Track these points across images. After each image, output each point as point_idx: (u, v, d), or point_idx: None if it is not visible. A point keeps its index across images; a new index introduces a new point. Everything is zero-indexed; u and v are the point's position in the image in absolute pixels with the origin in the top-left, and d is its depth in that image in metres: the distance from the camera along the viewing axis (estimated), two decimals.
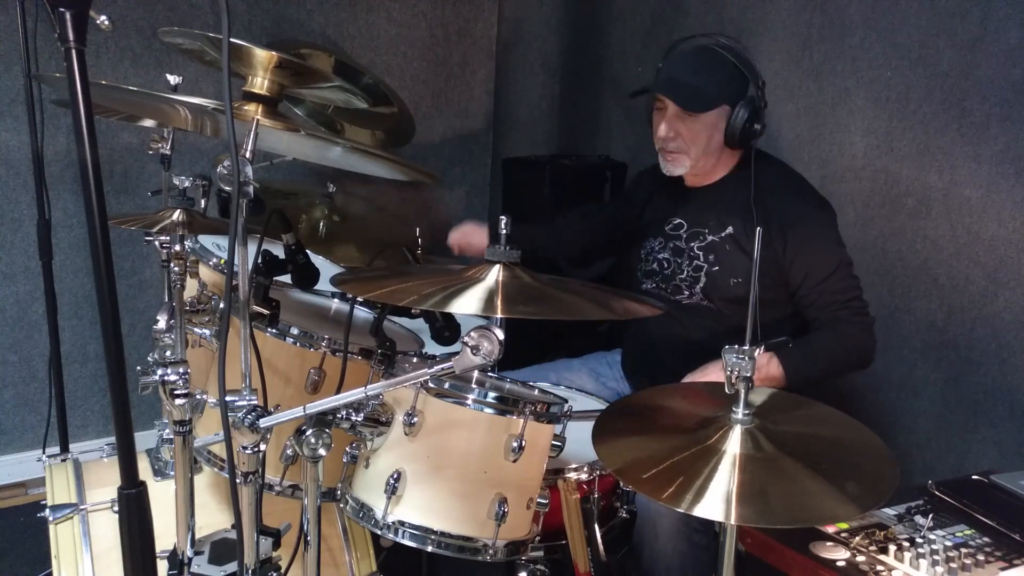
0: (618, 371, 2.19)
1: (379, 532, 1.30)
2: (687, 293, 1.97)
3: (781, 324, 1.91)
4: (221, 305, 1.52)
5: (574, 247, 2.40)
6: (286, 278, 1.49)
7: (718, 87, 1.85)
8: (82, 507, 1.64)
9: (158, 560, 1.07)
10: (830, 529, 1.39)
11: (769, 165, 1.97)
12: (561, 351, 2.48)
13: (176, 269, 1.43)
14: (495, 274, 1.24)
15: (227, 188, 1.05)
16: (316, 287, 1.58)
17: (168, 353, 1.34)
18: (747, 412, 1.14)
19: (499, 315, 1.16)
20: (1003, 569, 1.30)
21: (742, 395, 1.14)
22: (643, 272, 2.08)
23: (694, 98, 1.85)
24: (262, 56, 1.31)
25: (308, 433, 1.18)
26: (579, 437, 1.39)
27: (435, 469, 1.31)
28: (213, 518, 1.64)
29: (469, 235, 2.25)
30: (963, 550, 1.32)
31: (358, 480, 1.37)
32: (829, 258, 1.85)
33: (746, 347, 1.11)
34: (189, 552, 1.40)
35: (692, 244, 1.97)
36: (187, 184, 1.59)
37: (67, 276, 2.66)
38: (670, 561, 1.69)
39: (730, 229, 1.92)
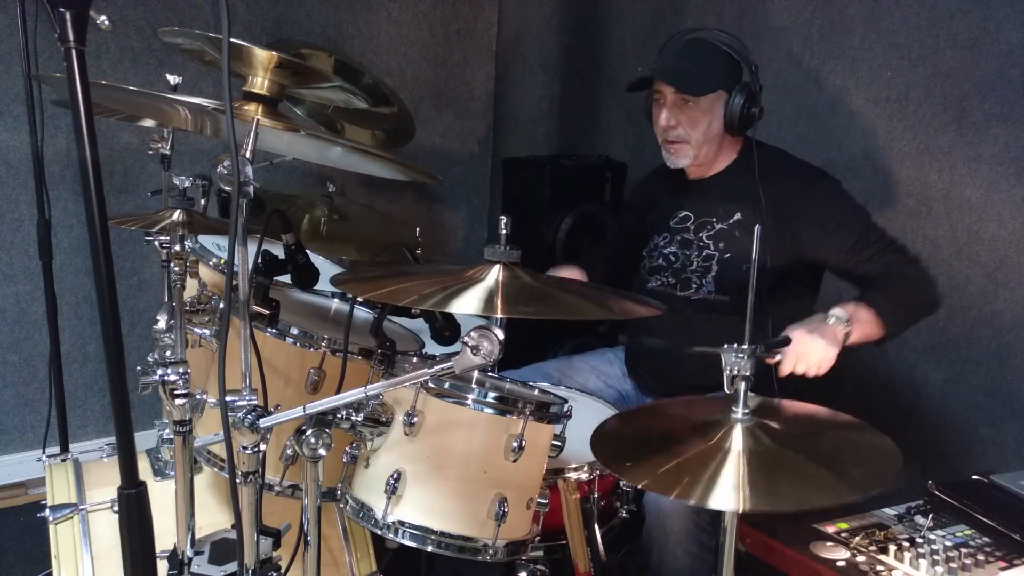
0: (620, 369, 2.19)
1: (379, 532, 1.31)
2: (695, 287, 1.97)
3: (796, 309, 1.93)
4: (221, 305, 1.52)
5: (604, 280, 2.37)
6: (286, 278, 1.49)
7: (713, 72, 1.88)
8: (82, 507, 1.64)
9: (158, 560, 1.07)
10: (830, 529, 1.39)
11: (770, 152, 1.99)
12: (562, 350, 2.48)
13: (176, 269, 1.43)
14: (495, 274, 1.24)
15: (227, 188, 1.05)
16: (316, 287, 1.58)
17: (168, 353, 1.34)
18: (746, 412, 1.14)
19: (499, 315, 1.16)
20: (1003, 569, 1.31)
21: (742, 395, 1.14)
22: (648, 270, 2.08)
23: (690, 82, 1.88)
24: (262, 56, 1.31)
25: (308, 433, 1.18)
26: (579, 437, 1.39)
27: (435, 469, 1.31)
28: (213, 518, 1.64)
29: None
30: (963, 550, 1.32)
31: (358, 480, 1.37)
32: (853, 223, 1.86)
33: (746, 346, 1.11)
34: (189, 552, 1.40)
35: (701, 234, 1.98)
36: (187, 184, 1.59)
37: (67, 276, 2.66)
38: (680, 562, 1.69)
39: (738, 215, 1.93)
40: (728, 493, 1.02)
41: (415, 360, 1.47)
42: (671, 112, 1.91)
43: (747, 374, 1.12)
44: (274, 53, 1.30)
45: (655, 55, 1.96)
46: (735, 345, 1.11)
